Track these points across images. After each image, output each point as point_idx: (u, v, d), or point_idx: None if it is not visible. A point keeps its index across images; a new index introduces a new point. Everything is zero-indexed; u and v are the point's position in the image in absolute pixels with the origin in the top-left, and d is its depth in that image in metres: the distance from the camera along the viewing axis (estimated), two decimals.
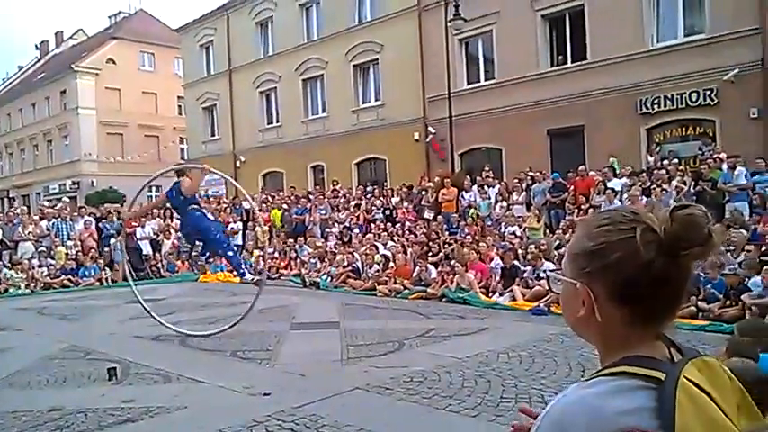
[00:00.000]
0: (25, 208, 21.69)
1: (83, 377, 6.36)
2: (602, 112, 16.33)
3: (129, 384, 6.04)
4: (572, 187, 14.01)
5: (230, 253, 9.29)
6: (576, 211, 12.97)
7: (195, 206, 8.98)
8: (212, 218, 9.93)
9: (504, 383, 5.51)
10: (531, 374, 5.81)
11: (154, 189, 37.20)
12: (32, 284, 15.09)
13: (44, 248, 16.23)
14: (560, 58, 18.05)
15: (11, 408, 5.25)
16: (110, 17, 47.05)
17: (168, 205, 9.69)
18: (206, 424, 4.66)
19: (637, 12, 16.04)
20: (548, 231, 13.41)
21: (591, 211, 11.76)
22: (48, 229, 16.94)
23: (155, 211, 19.21)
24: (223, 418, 4.80)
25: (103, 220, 17.82)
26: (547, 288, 9.82)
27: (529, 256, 11.05)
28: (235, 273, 9.54)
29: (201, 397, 5.50)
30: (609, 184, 13.32)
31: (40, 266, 15.63)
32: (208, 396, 5.53)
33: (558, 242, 11.76)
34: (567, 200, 13.81)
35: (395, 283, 12.27)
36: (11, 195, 44.68)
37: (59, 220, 17.39)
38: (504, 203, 14.83)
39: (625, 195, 12.60)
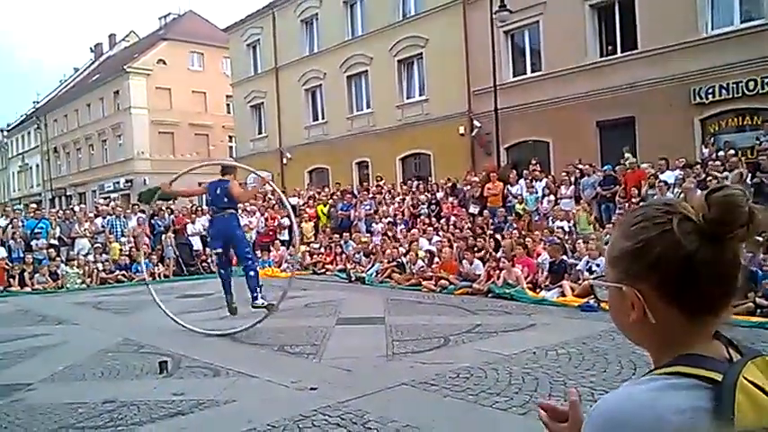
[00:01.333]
0: (83, 206, 22.52)
1: (135, 370, 6.54)
2: (653, 102, 15.84)
3: (179, 378, 6.17)
4: (623, 180, 13.67)
5: (251, 273, 8.57)
6: (627, 204, 12.64)
7: (233, 210, 8.76)
8: (242, 230, 9.27)
9: (553, 381, 5.41)
10: (581, 372, 5.68)
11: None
12: (88, 280, 15.64)
13: (99, 245, 16.80)
14: (610, 47, 17.59)
15: (68, 399, 5.43)
16: (160, 18, 48.26)
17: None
18: (254, 417, 4.72)
19: None
20: (597, 226, 13.12)
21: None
22: (102, 226, 17.52)
23: (205, 207, 19.59)
24: (271, 411, 4.86)
25: (155, 217, 18.33)
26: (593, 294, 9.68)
27: (586, 251, 10.81)
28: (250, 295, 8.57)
29: (250, 391, 5.58)
30: (661, 177, 12.93)
31: (95, 262, 16.17)
32: (256, 390, 5.61)
33: (608, 236, 11.49)
34: (618, 193, 13.48)
35: (440, 278, 12.20)
36: (68, 194, 46.36)
37: (113, 217, 17.96)
38: (552, 197, 14.58)
39: (677, 189, 12.22)
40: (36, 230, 16.54)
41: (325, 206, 19.04)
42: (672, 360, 0.95)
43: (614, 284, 1.02)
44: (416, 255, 13.31)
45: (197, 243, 17.67)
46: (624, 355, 6.07)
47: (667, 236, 0.95)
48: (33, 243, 16.25)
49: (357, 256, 15.28)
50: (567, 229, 12.90)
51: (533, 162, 16.41)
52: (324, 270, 16.00)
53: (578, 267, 10.62)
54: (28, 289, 14.74)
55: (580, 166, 14.93)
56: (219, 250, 8.93)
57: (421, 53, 22.31)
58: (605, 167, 14.49)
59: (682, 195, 11.28)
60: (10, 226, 16.60)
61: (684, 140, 15.24)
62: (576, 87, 17.54)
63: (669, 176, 12.95)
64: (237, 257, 9.10)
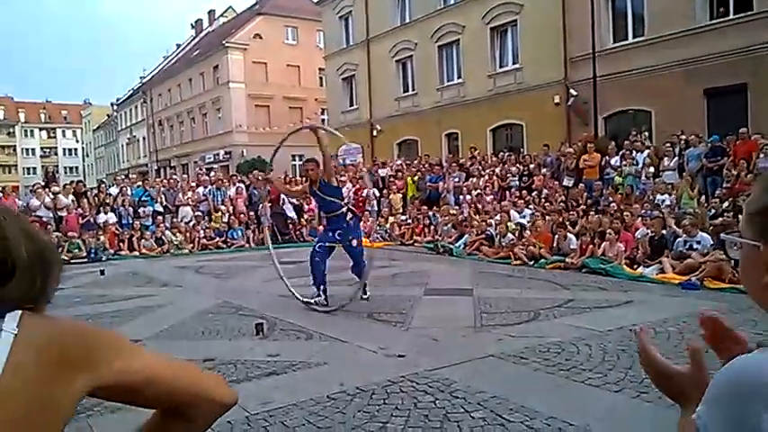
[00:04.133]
0: (185, 176, 23.72)
1: (233, 331, 6.86)
2: None
3: (274, 340, 6.42)
4: (732, 151, 12.78)
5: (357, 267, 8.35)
6: (735, 177, 11.83)
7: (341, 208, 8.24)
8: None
9: None
10: (680, 351, 5.40)
11: (297, 159, 39.19)
12: (190, 245, 16.51)
13: (200, 213, 17.67)
14: (721, 9, 16.32)
15: (172, 356, 5.77)
16: None
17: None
18: (344, 380, 4.84)
19: None
20: (703, 200, 12.38)
21: (751, 177, 10.67)
22: (204, 195, 18.38)
23: (298, 177, 20.12)
24: (360, 375, 4.97)
25: (252, 187, 19.03)
26: (700, 261, 9.16)
27: (682, 227, 10.24)
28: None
29: (340, 355, 5.73)
30: None
31: (195, 229, 17.00)
32: (346, 354, 5.75)
33: (713, 211, 10.82)
34: (726, 165, 12.63)
35: (532, 244, 11.85)
36: (172, 164, 48.85)
37: (214, 186, 18.80)
38: (653, 169, 13.85)
39: None
40: (143, 198, 17.58)
41: (413, 178, 19.02)
42: None
43: (749, 242, 0.95)
44: (506, 227, 13.08)
45: (290, 212, 18.20)
46: None
47: None
48: (141, 210, 17.30)
49: (445, 227, 15.21)
50: (669, 203, 12.25)
51: (633, 132, 15.62)
52: (412, 241, 16.06)
53: (678, 247, 10.05)
54: (136, 253, 15.77)
55: (685, 137, 14.08)
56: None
57: (515, 20, 21.63)
58: (713, 138, 13.60)
59: None
60: (120, 194, 17.75)
61: None
62: (682, 53, 16.45)
63: None
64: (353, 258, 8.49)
